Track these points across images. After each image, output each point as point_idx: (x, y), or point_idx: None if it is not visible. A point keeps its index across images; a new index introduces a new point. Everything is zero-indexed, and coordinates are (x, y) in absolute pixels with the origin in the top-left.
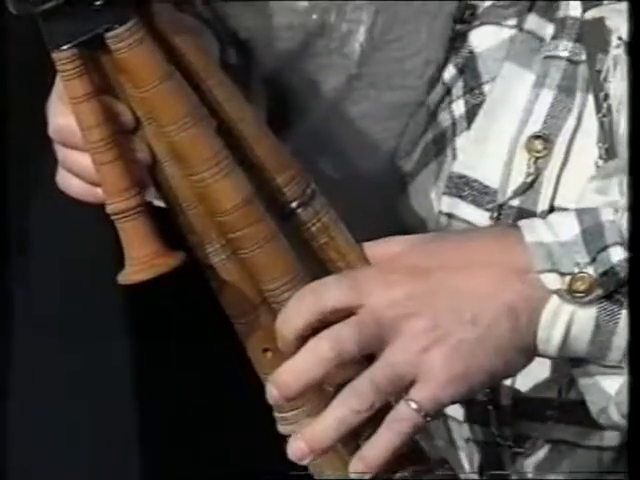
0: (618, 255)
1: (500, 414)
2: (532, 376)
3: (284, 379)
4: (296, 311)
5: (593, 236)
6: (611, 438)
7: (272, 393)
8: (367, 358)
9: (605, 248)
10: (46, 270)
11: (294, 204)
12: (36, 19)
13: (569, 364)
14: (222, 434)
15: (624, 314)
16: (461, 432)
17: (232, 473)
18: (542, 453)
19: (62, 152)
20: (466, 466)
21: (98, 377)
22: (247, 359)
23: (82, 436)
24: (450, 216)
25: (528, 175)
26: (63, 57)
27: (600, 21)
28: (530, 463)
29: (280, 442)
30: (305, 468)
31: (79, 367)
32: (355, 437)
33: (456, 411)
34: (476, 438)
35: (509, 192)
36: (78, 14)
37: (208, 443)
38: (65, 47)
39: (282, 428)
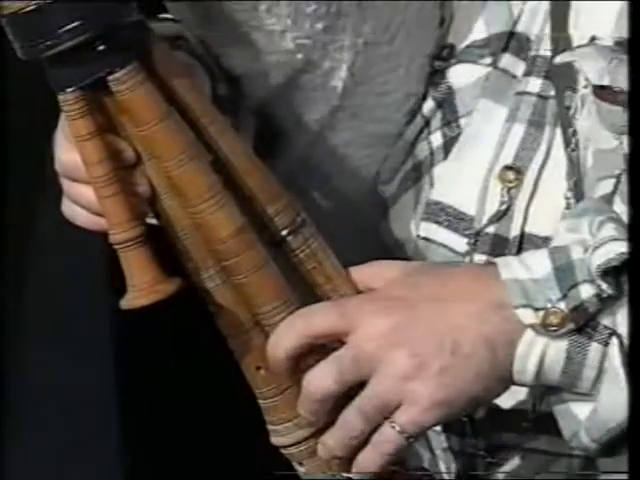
0: (587, 292)
1: (476, 426)
2: (508, 392)
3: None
4: (286, 334)
5: (565, 274)
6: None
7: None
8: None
9: (575, 285)
10: (42, 288)
11: (284, 232)
12: (43, 63)
13: (544, 391)
14: (213, 439)
15: (593, 347)
16: (440, 442)
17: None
18: (516, 461)
19: (67, 184)
20: (444, 474)
21: (90, 392)
22: (241, 374)
23: (71, 452)
24: (427, 240)
25: (502, 204)
26: (68, 99)
27: (569, 63)
28: (504, 470)
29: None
30: (291, 468)
31: (71, 381)
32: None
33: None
34: (453, 448)
35: (485, 220)
36: (82, 59)
37: (201, 447)
38: (70, 90)
39: (274, 440)
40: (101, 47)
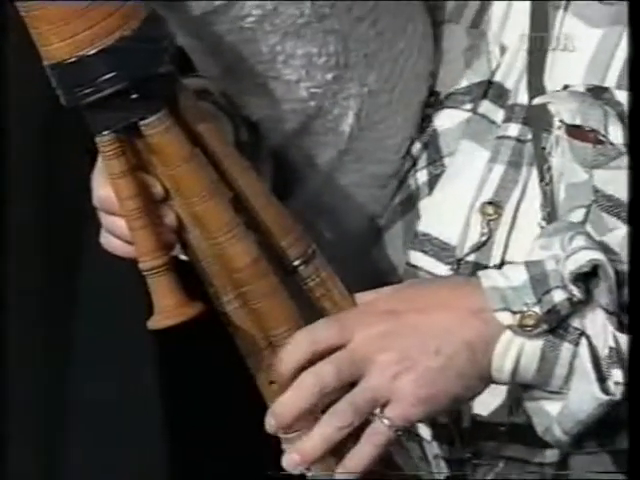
0: (560, 296)
1: (462, 435)
2: (486, 404)
3: (279, 411)
4: (293, 349)
5: (539, 282)
6: (551, 455)
7: (270, 423)
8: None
9: (549, 291)
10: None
11: (297, 262)
12: (83, 109)
13: (519, 390)
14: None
15: (565, 346)
16: (431, 450)
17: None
18: (497, 467)
19: (104, 217)
20: (436, 477)
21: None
22: (254, 384)
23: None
24: (415, 267)
25: (482, 235)
26: (104, 141)
27: (544, 106)
28: (488, 475)
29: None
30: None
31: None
32: (339, 446)
33: (426, 433)
34: (443, 454)
35: (466, 249)
36: (117, 105)
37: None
38: (106, 133)
39: (285, 446)
40: (134, 95)
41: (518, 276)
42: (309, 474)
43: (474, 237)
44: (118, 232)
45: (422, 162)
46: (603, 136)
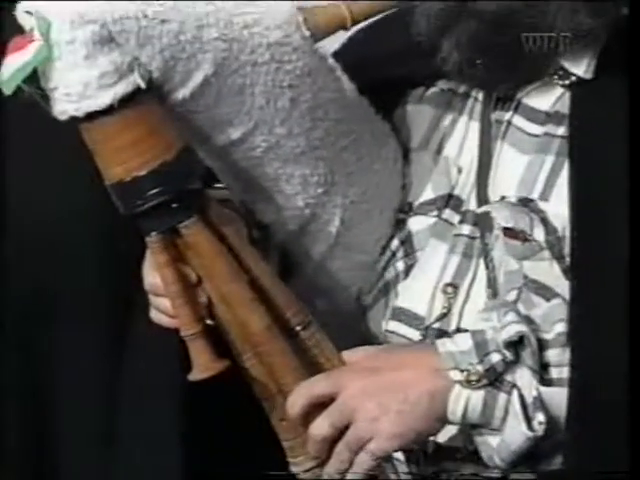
0: (496, 358)
1: (427, 457)
2: (446, 433)
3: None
4: (297, 397)
5: (480, 347)
6: (497, 472)
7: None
8: None
9: (488, 354)
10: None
11: (298, 327)
12: (136, 216)
13: (469, 428)
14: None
15: (501, 396)
16: (403, 469)
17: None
18: None
19: (153, 299)
20: None
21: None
22: (269, 422)
23: None
24: (393, 332)
25: (443, 308)
26: (152, 240)
27: (487, 213)
28: None
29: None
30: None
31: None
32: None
33: (400, 456)
34: (412, 472)
35: (432, 318)
36: (161, 213)
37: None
38: (153, 234)
39: (293, 468)
40: (174, 205)
41: (465, 342)
42: None
43: (437, 310)
44: (163, 309)
45: (400, 255)
46: (529, 235)
